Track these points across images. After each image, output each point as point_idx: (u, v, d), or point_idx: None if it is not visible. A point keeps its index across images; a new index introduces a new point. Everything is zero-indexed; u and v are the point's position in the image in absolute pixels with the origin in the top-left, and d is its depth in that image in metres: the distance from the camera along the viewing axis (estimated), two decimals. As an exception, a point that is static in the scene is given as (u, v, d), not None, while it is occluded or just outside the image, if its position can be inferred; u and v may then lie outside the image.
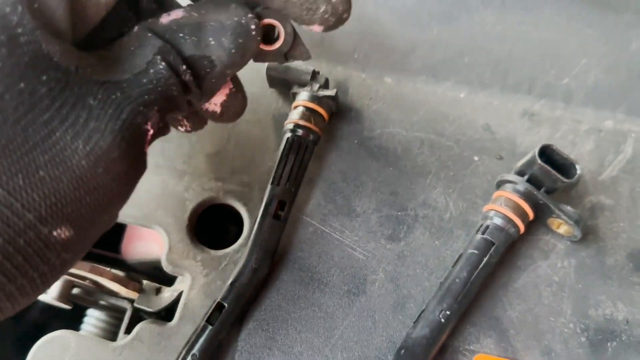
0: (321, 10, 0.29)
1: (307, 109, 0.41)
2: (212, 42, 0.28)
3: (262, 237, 0.39)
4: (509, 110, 0.45)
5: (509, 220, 0.38)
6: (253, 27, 0.29)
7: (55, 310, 0.43)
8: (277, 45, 0.32)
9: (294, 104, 0.42)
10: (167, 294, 0.41)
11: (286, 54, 0.33)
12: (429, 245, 0.41)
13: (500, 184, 0.40)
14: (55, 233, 0.23)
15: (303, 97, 0.42)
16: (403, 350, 0.36)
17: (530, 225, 0.40)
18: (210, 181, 0.43)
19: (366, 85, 0.46)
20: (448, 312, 0.36)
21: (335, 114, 0.44)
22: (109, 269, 0.40)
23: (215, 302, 0.37)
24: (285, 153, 0.41)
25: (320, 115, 0.42)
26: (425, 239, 0.41)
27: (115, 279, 0.39)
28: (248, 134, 0.45)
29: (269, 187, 0.40)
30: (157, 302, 0.41)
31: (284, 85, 0.44)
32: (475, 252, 0.37)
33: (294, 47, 0.33)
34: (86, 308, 0.46)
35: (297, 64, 0.43)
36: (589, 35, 0.48)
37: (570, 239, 0.40)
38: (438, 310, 0.36)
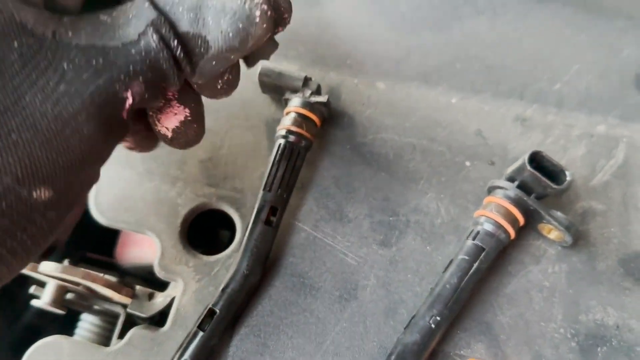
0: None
1: (299, 115, 0.42)
2: (210, 22, 0.28)
3: (254, 243, 0.39)
4: (501, 116, 0.45)
5: (499, 226, 0.38)
6: (258, 13, 0.28)
7: (49, 315, 0.43)
8: None
9: (286, 110, 0.42)
10: (160, 299, 0.41)
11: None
12: (420, 251, 0.41)
13: (491, 190, 0.40)
14: (34, 195, 0.24)
15: (295, 103, 0.42)
16: (394, 356, 0.36)
17: (521, 231, 0.40)
18: (203, 187, 0.43)
19: (359, 91, 0.46)
20: (438, 318, 0.36)
21: (328, 120, 0.45)
22: (102, 274, 0.40)
23: (207, 308, 0.37)
24: (277, 159, 0.41)
25: (312, 121, 0.42)
26: (417, 245, 0.41)
27: (108, 284, 0.39)
28: (241, 140, 0.45)
29: (260, 192, 0.40)
30: (150, 308, 0.41)
31: (276, 91, 0.44)
32: (466, 257, 0.37)
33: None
34: (80, 313, 0.46)
35: (290, 71, 0.43)
36: (581, 41, 0.48)
37: (561, 244, 0.40)
38: (428, 316, 0.36)
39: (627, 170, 0.43)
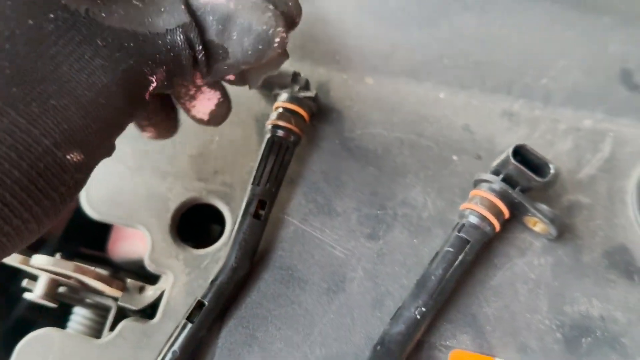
0: None
1: (288, 110, 0.42)
2: (234, 37, 0.30)
3: (243, 236, 0.39)
4: (489, 111, 0.46)
5: (484, 218, 0.38)
6: (277, 40, 0.30)
7: (42, 309, 0.44)
8: None
9: (275, 105, 0.43)
10: (150, 292, 0.41)
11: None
12: (407, 244, 0.41)
13: (476, 183, 0.40)
14: (68, 157, 0.26)
15: (283, 98, 0.42)
16: (379, 346, 0.36)
17: (507, 224, 0.41)
18: (193, 182, 0.44)
19: (347, 86, 0.47)
20: (424, 309, 0.37)
21: (317, 115, 0.45)
22: (93, 267, 0.40)
23: (196, 301, 0.38)
24: (266, 154, 0.41)
25: (301, 116, 0.42)
26: (404, 238, 0.42)
27: (99, 277, 0.40)
28: (231, 135, 0.45)
29: (249, 186, 0.41)
30: (141, 300, 0.41)
31: (265, 87, 0.44)
32: (451, 249, 0.38)
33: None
34: (72, 306, 0.47)
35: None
36: (568, 37, 0.49)
37: (546, 237, 0.41)
38: (414, 306, 0.37)
39: (613, 165, 0.44)
